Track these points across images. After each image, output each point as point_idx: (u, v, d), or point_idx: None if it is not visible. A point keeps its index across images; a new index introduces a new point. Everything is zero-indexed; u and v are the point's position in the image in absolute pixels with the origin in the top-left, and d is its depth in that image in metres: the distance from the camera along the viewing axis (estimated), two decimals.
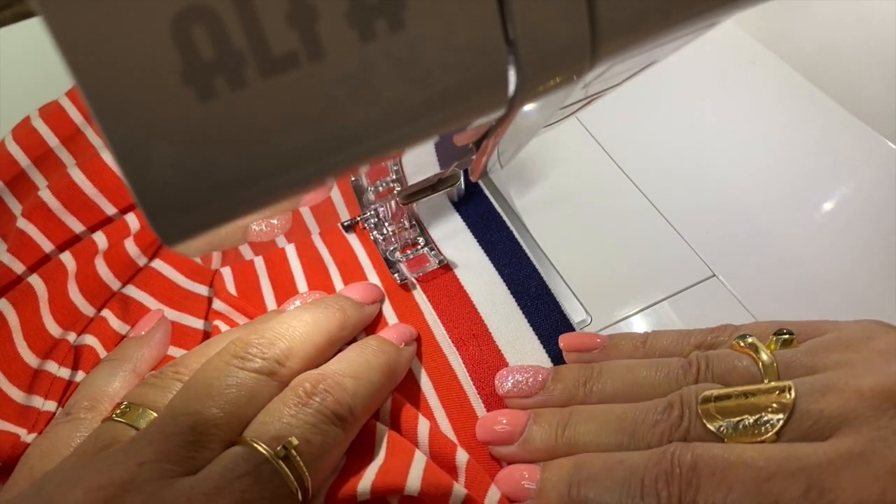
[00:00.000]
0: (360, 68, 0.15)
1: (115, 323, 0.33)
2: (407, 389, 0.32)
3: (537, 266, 0.36)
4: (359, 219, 0.38)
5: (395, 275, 0.36)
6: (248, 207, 0.15)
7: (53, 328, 0.32)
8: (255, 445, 0.24)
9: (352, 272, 0.37)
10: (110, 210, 0.35)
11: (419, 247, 0.37)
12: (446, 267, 0.36)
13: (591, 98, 0.25)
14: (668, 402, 0.26)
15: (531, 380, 0.30)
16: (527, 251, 0.36)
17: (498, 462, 0.30)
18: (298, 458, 0.24)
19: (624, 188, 0.40)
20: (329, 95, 0.15)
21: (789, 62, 0.44)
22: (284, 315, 0.30)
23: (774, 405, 0.24)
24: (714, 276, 0.36)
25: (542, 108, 0.20)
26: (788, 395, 0.24)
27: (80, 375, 0.31)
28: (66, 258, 0.33)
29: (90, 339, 0.32)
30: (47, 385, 0.31)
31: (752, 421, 0.24)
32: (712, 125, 0.43)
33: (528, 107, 0.18)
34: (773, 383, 0.25)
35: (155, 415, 0.26)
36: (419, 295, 0.35)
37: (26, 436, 0.29)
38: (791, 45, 0.45)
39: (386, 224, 0.37)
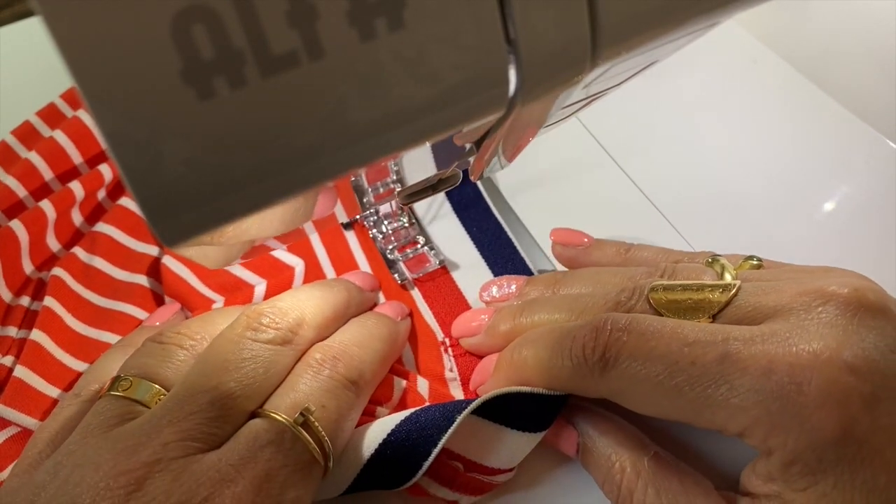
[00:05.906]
0: (359, 68, 0.15)
1: (84, 256, 0.35)
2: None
3: (533, 269, 0.36)
4: (358, 217, 0.38)
5: (395, 274, 0.36)
6: (250, 208, 0.15)
7: (29, 269, 0.34)
8: (274, 415, 0.24)
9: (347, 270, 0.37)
10: (77, 159, 0.37)
11: (419, 246, 0.37)
12: (445, 268, 0.36)
13: (592, 98, 0.25)
14: (620, 288, 0.28)
15: (508, 287, 0.33)
16: (522, 253, 0.36)
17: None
18: (317, 423, 0.25)
19: (624, 188, 0.40)
20: (329, 95, 0.15)
21: (790, 61, 0.44)
22: (293, 290, 0.31)
23: (718, 294, 0.26)
24: None
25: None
26: (732, 290, 0.25)
27: (48, 301, 0.33)
28: (47, 207, 0.35)
29: (58, 271, 0.35)
30: (20, 317, 0.34)
31: (694, 306, 0.26)
32: (712, 124, 0.43)
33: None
34: (722, 281, 0.26)
35: (157, 387, 0.26)
36: (416, 295, 0.35)
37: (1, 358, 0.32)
38: (792, 44, 0.45)
39: (385, 223, 0.37)
